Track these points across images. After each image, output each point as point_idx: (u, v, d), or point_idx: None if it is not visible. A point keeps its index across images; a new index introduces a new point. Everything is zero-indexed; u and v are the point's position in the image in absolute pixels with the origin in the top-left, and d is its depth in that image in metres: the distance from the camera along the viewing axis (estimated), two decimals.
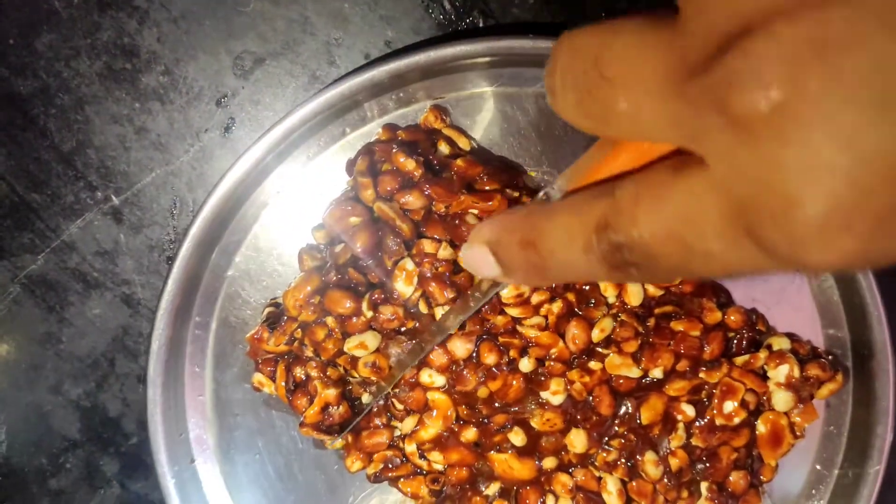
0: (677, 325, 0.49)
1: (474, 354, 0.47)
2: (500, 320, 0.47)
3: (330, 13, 0.52)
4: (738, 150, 0.19)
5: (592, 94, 0.22)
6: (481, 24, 0.52)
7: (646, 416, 0.49)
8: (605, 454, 0.50)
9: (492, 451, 0.49)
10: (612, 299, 0.48)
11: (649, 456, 0.49)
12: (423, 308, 0.46)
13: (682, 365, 0.49)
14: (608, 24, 0.22)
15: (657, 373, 0.49)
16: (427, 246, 0.45)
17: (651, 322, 0.49)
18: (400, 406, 0.48)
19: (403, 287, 0.46)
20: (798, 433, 0.51)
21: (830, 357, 0.51)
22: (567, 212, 0.26)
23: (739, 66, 0.18)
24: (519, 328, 0.47)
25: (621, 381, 0.49)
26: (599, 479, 0.50)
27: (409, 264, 0.46)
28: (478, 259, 0.31)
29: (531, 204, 0.31)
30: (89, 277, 0.55)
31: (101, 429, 0.57)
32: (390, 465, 0.50)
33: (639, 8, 0.49)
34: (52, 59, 0.52)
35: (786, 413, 0.50)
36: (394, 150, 0.46)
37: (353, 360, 0.48)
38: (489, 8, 0.52)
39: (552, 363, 0.48)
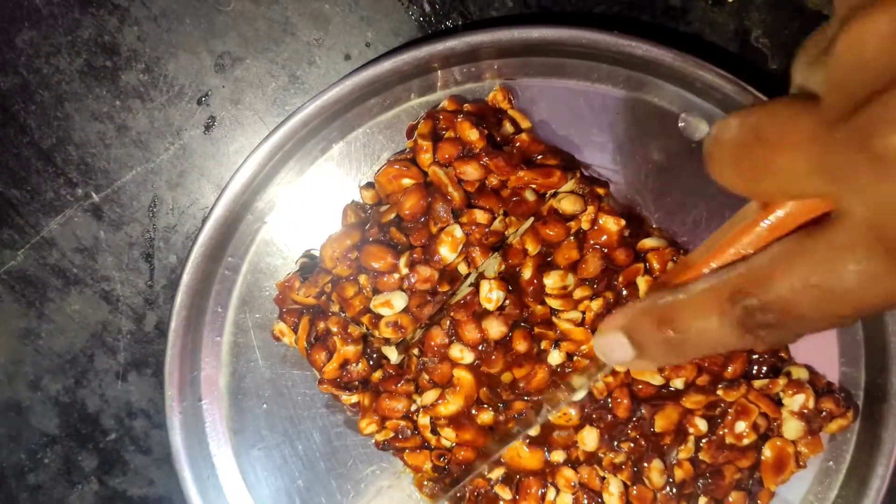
0: None
1: (507, 338, 0.47)
2: (539, 310, 0.48)
3: (310, 14, 0.52)
4: (881, 184, 0.22)
5: (750, 154, 0.26)
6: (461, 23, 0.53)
7: (660, 423, 0.49)
8: (612, 455, 0.50)
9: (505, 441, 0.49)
10: None
11: (656, 464, 0.50)
12: (462, 269, 0.46)
13: (703, 379, 0.50)
14: (760, 105, 0.27)
15: (678, 383, 0.49)
16: (479, 216, 0.45)
17: None
18: (426, 377, 0.48)
19: (448, 252, 0.46)
20: (801, 463, 0.51)
21: (843, 394, 0.52)
22: (703, 286, 0.29)
23: (879, 113, 0.22)
24: (555, 320, 0.47)
25: (641, 386, 0.49)
26: (603, 479, 0.50)
27: (457, 231, 0.46)
28: (612, 344, 0.34)
29: (662, 291, 0.33)
30: (69, 274, 0.55)
31: (79, 425, 0.57)
32: (400, 436, 0.50)
33: (615, 9, 0.52)
34: (33, 56, 0.52)
35: (793, 442, 0.51)
36: (459, 119, 0.46)
37: (376, 319, 0.48)
38: (468, 10, 0.52)
39: (580, 358, 0.48)
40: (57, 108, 0.53)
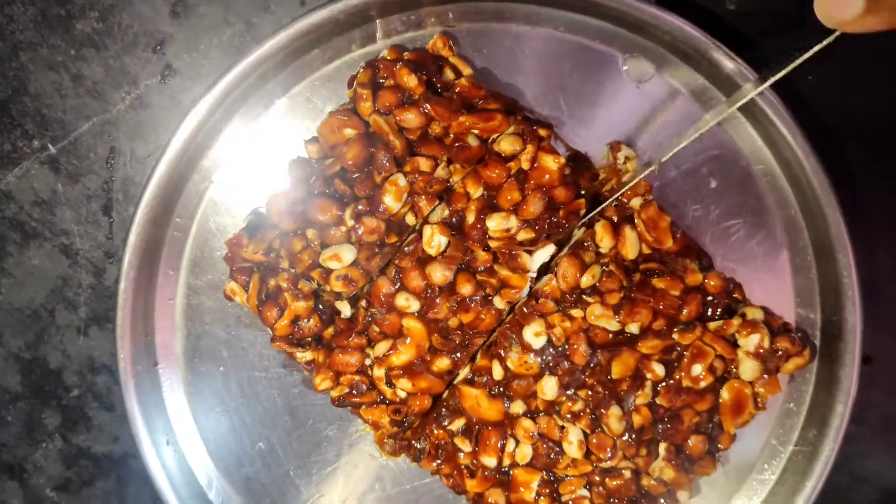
0: (659, 283, 0.49)
1: (451, 283, 0.47)
2: (482, 255, 0.47)
3: None
4: None
5: None
6: None
7: (616, 370, 0.49)
8: (570, 403, 0.50)
9: (463, 385, 0.49)
10: (605, 249, 0.49)
11: (614, 410, 0.50)
12: (409, 220, 0.45)
13: (659, 324, 0.49)
14: None
15: (634, 328, 0.49)
16: (422, 164, 0.45)
17: (636, 276, 0.49)
18: (377, 329, 0.48)
19: (392, 202, 0.45)
20: (760, 404, 0.51)
21: (800, 333, 0.52)
22: None
23: None
24: (496, 267, 0.47)
25: (598, 332, 0.49)
26: (562, 428, 0.50)
27: (400, 180, 0.45)
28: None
29: None
30: (27, 227, 0.54)
31: (41, 381, 0.56)
32: (356, 391, 0.50)
33: None
34: None
35: (751, 383, 0.51)
36: (397, 66, 0.46)
37: (327, 274, 0.48)
38: None
39: (544, 300, 0.48)
40: (11, 59, 0.52)
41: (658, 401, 0.50)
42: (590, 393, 0.50)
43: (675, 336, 0.50)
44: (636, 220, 0.50)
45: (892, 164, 0.55)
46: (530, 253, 0.47)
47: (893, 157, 0.55)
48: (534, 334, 0.48)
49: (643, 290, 0.49)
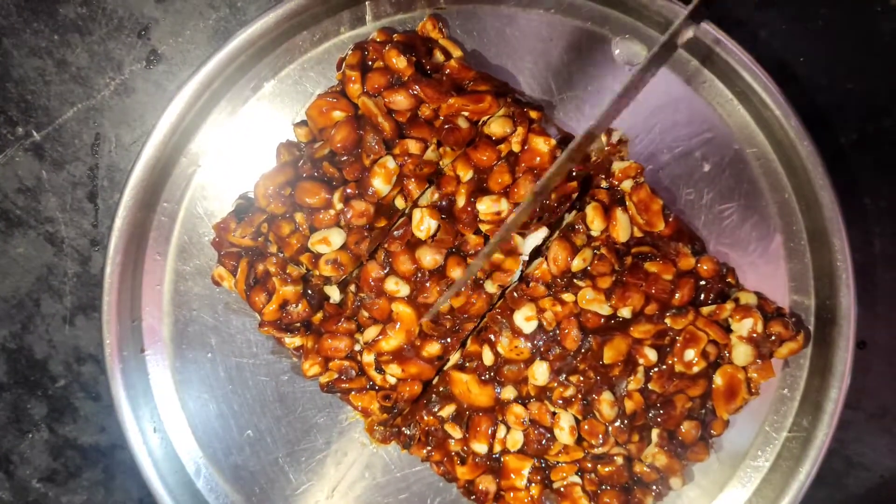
0: (651, 267, 0.49)
1: (441, 267, 0.46)
2: (473, 239, 0.47)
3: None
4: None
5: None
6: None
7: (608, 355, 0.49)
8: (562, 389, 0.49)
9: (453, 370, 0.49)
10: (596, 232, 0.48)
11: (606, 396, 0.49)
12: (399, 203, 0.45)
13: (651, 308, 0.49)
14: None
15: (625, 312, 0.48)
16: (412, 146, 0.44)
17: (628, 260, 0.49)
18: (366, 314, 0.47)
19: (381, 185, 0.45)
20: (753, 390, 0.51)
21: (794, 318, 0.51)
22: None
23: None
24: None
25: (590, 316, 0.49)
26: (554, 414, 0.50)
27: (390, 163, 0.45)
28: None
29: None
30: (12, 215, 0.54)
31: (27, 371, 0.56)
32: (344, 377, 0.50)
33: None
34: None
35: (744, 368, 0.50)
36: (387, 48, 0.45)
37: (316, 258, 0.47)
38: None
39: (535, 284, 0.47)
40: None
41: (650, 386, 0.50)
42: (581, 378, 0.49)
43: (667, 321, 0.49)
44: (627, 203, 0.49)
45: (886, 148, 0.54)
46: (523, 236, 0.47)
47: (887, 141, 0.54)
48: (524, 319, 0.48)
49: (635, 274, 0.48)
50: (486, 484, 0.50)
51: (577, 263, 0.48)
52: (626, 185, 0.49)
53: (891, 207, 0.54)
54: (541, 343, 0.49)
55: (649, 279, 0.49)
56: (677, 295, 0.49)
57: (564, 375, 0.49)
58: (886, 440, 0.56)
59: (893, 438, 0.56)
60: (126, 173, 0.51)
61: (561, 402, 0.49)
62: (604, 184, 0.50)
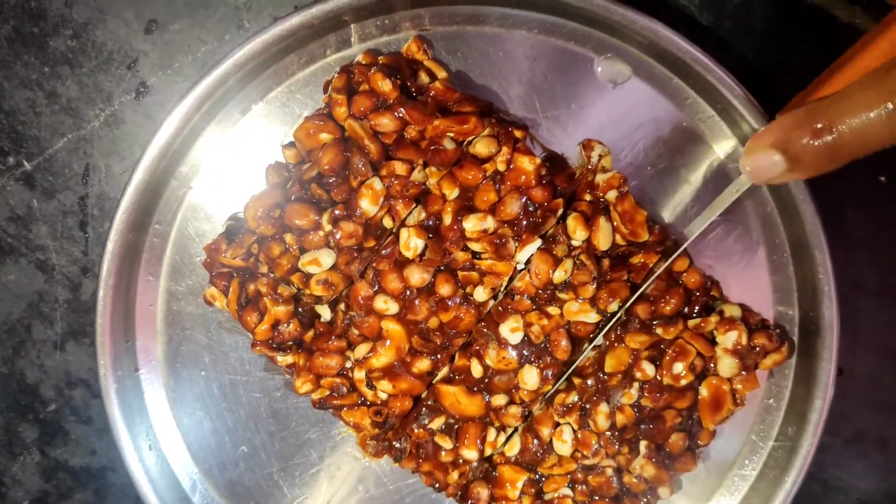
0: (636, 259, 0.49)
1: (430, 284, 0.47)
2: (461, 256, 0.48)
3: None
4: None
5: None
6: None
7: (610, 364, 0.49)
8: (565, 395, 0.50)
9: (441, 383, 0.49)
10: (578, 242, 0.49)
11: (602, 407, 0.50)
12: (387, 223, 0.45)
13: (644, 310, 0.49)
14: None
15: (614, 306, 0.49)
16: (398, 167, 0.45)
17: (606, 263, 0.49)
18: (356, 332, 0.48)
19: (369, 206, 0.45)
20: (739, 400, 0.51)
21: (778, 330, 0.52)
22: (861, 89, 0.32)
23: None
24: (476, 261, 0.47)
25: (579, 326, 0.49)
26: (557, 425, 0.50)
27: (377, 184, 0.45)
28: (764, 162, 0.37)
29: (807, 104, 0.36)
30: (3, 243, 0.54)
31: (19, 395, 0.56)
32: (336, 394, 0.50)
33: None
34: None
35: (729, 379, 0.51)
36: (372, 71, 0.46)
37: (306, 278, 0.48)
38: None
39: (519, 297, 0.48)
40: None
41: (643, 402, 0.50)
42: (584, 384, 0.50)
43: (658, 331, 0.50)
44: (612, 213, 0.50)
45: (866, 169, 0.55)
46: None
47: (868, 161, 0.55)
48: (510, 330, 0.49)
49: (617, 270, 0.49)
50: (479, 488, 0.51)
51: (558, 275, 0.48)
52: (611, 195, 0.50)
53: (866, 237, 0.55)
54: (531, 354, 0.49)
55: (635, 269, 0.49)
56: (670, 302, 0.50)
57: (563, 379, 0.50)
58: (863, 464, 0.57)
59: (869, 462, 0.57)
60: (116, 202, 0.52)
61: (562, 408, 0.50)
62: (587, 197, 0.50)
